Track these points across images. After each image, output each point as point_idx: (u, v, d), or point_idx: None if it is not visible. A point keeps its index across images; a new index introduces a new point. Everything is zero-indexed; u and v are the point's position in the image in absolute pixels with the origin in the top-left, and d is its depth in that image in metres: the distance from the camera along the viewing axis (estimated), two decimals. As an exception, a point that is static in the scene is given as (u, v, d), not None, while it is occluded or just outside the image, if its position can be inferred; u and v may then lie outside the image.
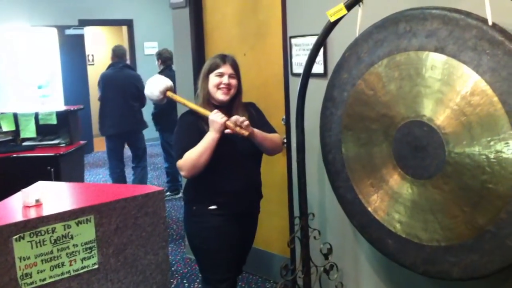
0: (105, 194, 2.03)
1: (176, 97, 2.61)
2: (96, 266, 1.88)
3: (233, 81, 2.54)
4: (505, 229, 1.85)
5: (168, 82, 2.67)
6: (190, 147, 2.43)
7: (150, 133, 5.96)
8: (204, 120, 2.50)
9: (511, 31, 1.85)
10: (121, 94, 5.44)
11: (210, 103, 2.54)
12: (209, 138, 2.42)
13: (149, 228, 1.98)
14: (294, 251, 3.20)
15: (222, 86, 2.50)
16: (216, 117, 2.42)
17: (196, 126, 2.51)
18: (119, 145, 5.67)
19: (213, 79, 2.52)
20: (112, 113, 5.49)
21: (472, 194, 1.91)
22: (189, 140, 2.46)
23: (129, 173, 6.16)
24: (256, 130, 2.49)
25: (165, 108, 5.13)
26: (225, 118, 2.42)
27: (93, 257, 1.86)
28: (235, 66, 2.56)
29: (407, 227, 2.14)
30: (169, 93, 2.65)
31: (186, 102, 2.56)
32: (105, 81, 5.53)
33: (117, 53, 5.75)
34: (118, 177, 5.69)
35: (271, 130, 2.65)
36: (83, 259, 1.85)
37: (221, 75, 2.51)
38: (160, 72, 5.70)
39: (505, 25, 1.87)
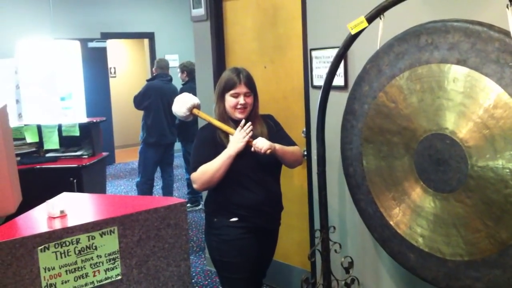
0: (128, 206, 2.05)
1: (202, 114, 2.64)
2: (119, 277, 1.90)
3: (249, 100, 2.55)
4: (530, 244, 1.82)
5: (194, 100, 2.70)
6: (205, 161, 2.46)
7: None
8: (223, 134, 2.52)
9: (534, 44, 1.84)
10: (166, 106, 5.57)
11: (228, 118, 2.56)
12: (226, 155, 2.45)
13: (171, 240, 1.99)
14: (315, 264, 3.19)
15: (239, 106, 2.53)
16: (240, 135, 2.46)
17: (213, 140, 2.53)
18: (159, 155, 5.75)
19: (229, 100, 2.54)
20: (160, 123, 5.62)
21: (495, 208, 1.89)
22: (204, 153, 2.50)
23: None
24: (277, 146, 2.51)
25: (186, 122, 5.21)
26: (247, 136, 2.46)
27: (116, 268, 1.88)
28: (249, 84, 2.56)
29: (429, 241, 2.12)
30: (195, 111, 2.68)
31: (210, 119, 2.58)
32: (153, 91, 5.64)
33: (162, 65, 5.92)
34: (149, 187, 5.75)
35: (290, 142, 2.66)
36: (106, 270, 1.87)
37: (237, 95, 2.53)
38: (184, 84, 5.84)
39: (528, 38, 1.86)
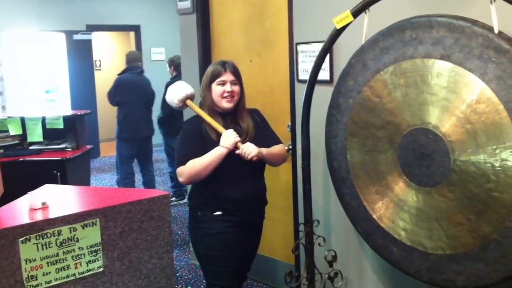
0: (110, 198, 2.04)
1: (195, 107, 2.61)
2: (101, 269, 1.89)
3: (236, 88, 2.55)
4: (510, 238, 1.84)
5: (188, 91, 2.67)
6: (192, 154, 2.45)
7: (154, 139, 6.02)
8: (209, 127, 2.51)
9: (517, 40, 1.85)
10: (140, 99, 5.52)
11: (216, 111, 2.56)
12: (217, 153, 2.44)
13: (154, 232, 1.99)
14: (299, 258, 3.20)
15: (225, 94, 2.52)
16: (230, 135, 2.46)
17: (199, 133, 2.52)
18: (135, 150, 5.69)
19: (216, 89, 2.54)
20: (132, 117, 5.56)
21: (477, 203, 1.91)
22: (192, 147, 2.49)
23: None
24: (264, 151, 2.51)
25: (173, 113, 5.17)
26: (238, 138, 2.46)
27: (98, 260, 1.87)
28: (236, 72, 2.58)
29: (412, 235, 2.13)
30: (189, 102, 2.66)
31: (203, 114, 2.56)
32: (124, 86, 5.56)
33: (133, 58, 5.81)
34: (130, 182, 5.70)
35: (276, 140, 2.68)
36: (88, 262, 1.86)
37: (223, 83, 2.53)
38: (173, 79, 5.75)
39: (511, 34, 1.87)
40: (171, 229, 2.05)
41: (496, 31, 1.82)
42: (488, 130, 1.85)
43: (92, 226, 1.84)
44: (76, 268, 1.84)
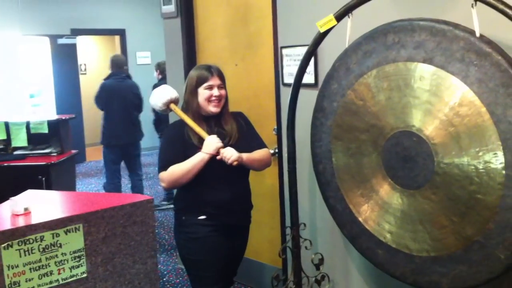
0: (93, 203, 2.02)
1: (178, 111, 2.59)
2: (84, 275, 1.87)
3: (223, 92, 2.56)
4: (493, 240, 1.86)
5: (172, 94, 2.65)
6: (173, 160, 2.44)
7: (142, 143, 5.99)
8: (192, 132, 2.50)
9: (498, 43, 1.87)
10: (124, 105, 5.47)
11: (200, 115, 2.55)
12: (199, 158, 2.43)
13: (138, 237, 1.98)
14: (286, 261, 3.20)
15: (213, 98, 2.52)
16: (213, 141, 2.45)
17: (181, 138, 2.51)
18: (120, 155, 5.65)
19: (203, 93, 2.52)
20: (116, 123, 5.51)
21: (461, 205, 1.92)
22: (173, 152, 2.48)
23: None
24: (244, 157, 2.50)
25: (163, 116, 5.15)
26: (221, 144, 2.45)
27: (81, 265, 1.86)
28: (221, 76, 2.58)
29: (397, 237, 2.14)
30: (173, 106, 2.64)
31: (186, 118, 2.54)
32: (107, 91, 5.52)
33: (117, 62, 5.75)
34: (116, 187, 5.67)
35: (260, 144, 2.67)
36: (71, 268, 1.84)
37: (210, 87, 2.52)
38: (159, 82, 5.74)
39: (492, 37, 1.89)
40: (155, 234, 2.04)
41: (477, 34, 1.84)
42: (471, 132, 1.87)
43: (75, 232, 1.83)
44: (59, 274, 1.82)
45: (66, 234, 1.81)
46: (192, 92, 2.54)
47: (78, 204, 2.11)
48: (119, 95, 5.47)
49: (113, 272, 1.92)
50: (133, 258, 1.95)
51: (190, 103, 2.55)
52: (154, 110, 5.45)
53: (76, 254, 1.84)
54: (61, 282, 1.83)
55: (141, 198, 2.03)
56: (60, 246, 1.81)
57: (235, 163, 2.44)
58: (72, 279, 1.85)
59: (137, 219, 1.96)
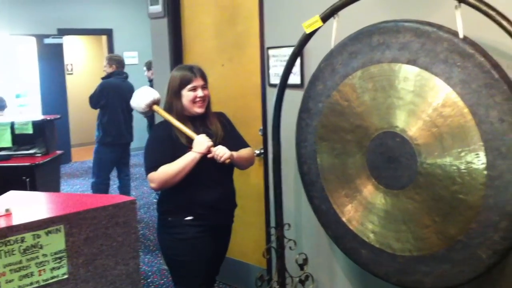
0: (75, 204, 2.01)
1: (162, 112, 2.57)
2: (65, 276, 1.86)
3: (206, 92, 2.56)
4: (476, 239, 1.87)
5: (155, 96, 2.63)
6: (163, 160, 2.43)
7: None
8: (179, 132, 2.50)
9: (482, 44, 1.89)
10: (123, 105, 5.42)
11: (185, 116, 2.54)
12: (190, 158, 2.43)
13: (120, 238, 1.96)
14: (271, 261, 3.19)
15: (197, 99, 2.51)
16: (203, 140, 2.44)
17: (169, 138, 2.50)
18: (117, 155, 5.62)
19: (187, 95, 2.51)
20: (116, 122, 5.47)
21: (443, 205, 1.93)
22: (162, 152, 2.47)
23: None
24: (234, 155, 2.52)
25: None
26: (211, 143, 2.45)
27: (63, 267, 1.84)
28: (204, 76, 2.57)
29: (380, 237, 2.15)
30: (156, 107, 2.62)
31: (171, 118, 2.52)
32: (110, 90, 5.46)
33: (120, 62, 5.73)
34: (106, 187, 5.63)
35: (243, 143, 2.68)
36: (52, 269, 1.82)
37: (194, 89, 2.51)
38: (151, 81, 5.69)
39: (475, 38, 1.91)
40: (137, 235, 2.03)
41: (461, 36, 1.85)
42: (453, 133, 1.88)
43: (56, 233, 1.81)
44: (40, 275, 1.80)
45: (47, 235, 1.79)
46: (175, 93, 2.53)
47: (60, 205, 2.09)
48: (121, 95, 5.42)
49: (94, 273, 1.90)
50: (115, 259, 1.94)
51: (173, 105, 2.53)
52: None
53: (57, 255, 1.82)
54: (41, 283, 1.81)
55: (124, 199, 2.02)
56: (41, 247, 1.80)
57: (227, 161, 2.44)
58: (53, 280, 1.83)
59: (120, 220, 1.95)
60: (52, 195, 2.24)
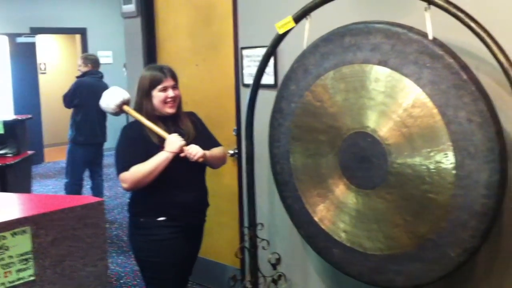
0: (43, 205, 1.98)
1: (132, 113, 2.55)
2: (32, 278, 1.82)
3: (177, 92, 2.54)
4: (445, 238, 1.90)
5: (125, 95, 2.61)
6: (135, 160, 2.41)
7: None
8: (150, 132, 2.47)
9: (451, 46, 1.91)
10: (97, 104, 5.33)
11: (156, 116, 2.52)
12: (163, 157, 2.41)
13: (89, 239, 1.94)
14: (244, 261, 3.19)
15: (168, 100, 2.49)
16: (175, 139, 2.43)
17: (141, 138, 2.48)
18: (90, 155, 5.55)
19: (158, 95, 2.49)
20: (90, 122, 5.41)
21: (414, 204, 1.96)
22: (134, 152, 2.44)
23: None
24: (207, 154, 2.51)
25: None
26: (183, 142, 2.43)
27: (29, 268, 1.81)
28: (174, 76, 2.56)
29: (352, 236, 2.16)
30: (126, 107, 2.59)
31: (142, 119, 2.50)
32: (84, 89, 5.40)
33: (95, 61, 5.67)
34: (80, 188, 5.56)
35: (215, 142, 2.68)
36: (18, 271, 1.79)
37: (165, 89, 2.49)
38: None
39: (445, 40, 1.93)
40: (106, 237, 2.01)
41: (430, 37, 1.88)
42: (423, 133, 1.90)
43: (22, 234, 1.78)
44: (6, 277, 1.76)
45: (13, 236, 1.76)
46: (145, 94, 2.50)
47: (27, 206, 2.06)
48: (96, 94, 5.32)
49: (62, 275, 1.87)
50: (83, 261, 1.91)
51: (144, 105, 2.51)
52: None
53: (24, 257, 1.79)
54: (7, 285, 1.77)
55: (92, 200, 2.00)
56: (7, 249, 1.76)
57: (200, 159, 2.43)
58: (19, 282, 1.80)
59: (88, 221, 1.93)
60: (20, 196, 2.20)
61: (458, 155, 1.82)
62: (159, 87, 2.48)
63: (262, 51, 2.88)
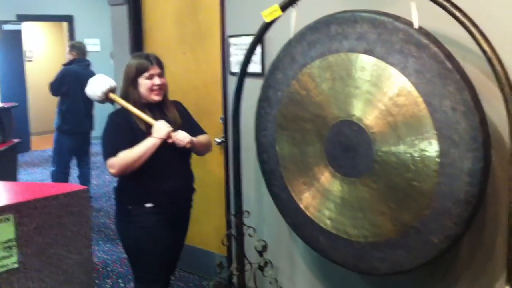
0: (26, 193, 1.97)
1: (119, 100, 2.53)
2: (16, 266, 1.82)
3: (163, 80, 2.53)
4: (429, 225, 1.92)
5: (111, 83, 2.60)
6: (123, 146, 2.40)
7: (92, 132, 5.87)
8: (138, 119, 2.47)
9: (436, 35, 1.92)
10: (84, 92, 5.28)
11: (142, 104, 2.51)
12: (151, 143, 2.40)
13: (74, 227, 1.94)
14: (231, 249, 3.20)
15: (155, 88, 2.48)
16: (163, 125, 2.43)
17: (128, 125, 2.47)
18: (76, 143, 5.51)
19: (144, 83, 2.49)
20: (76, 110, 5.36)
21: (398, 192, 1.97)
22: (122, 138, 2.43)
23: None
24: (194, 140, 2.52)
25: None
26: (171, 128, 2.44)
27: (12, 256, 1.80)
28: (160, 64, 2.55)
29: (337, 224, 2.18)
30: (112, 95, 2.58)
31: (128, 106, 2.49)
32: (71, 77, 5.34)
33: (82, 49, 5.61)
34: (67, 176, 5.53)
35: (200, 130, 2.69)
36: (2, 258, 1.79)
37: (151, 77, 2.48)
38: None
39: (430, 29, 1.94)
40: (90, 224, 2.01)
41: (416, 26, 1.88)
42: (408, 122, 1.92)
43: (6, 222, 1.77)
44: (-11, 264, 1.77)
45: (-4, 224, 1.76)
46: (132, 82, 2.50)
47: (11, 194, 2.05)
48: (82, 82, 5.28)
49: (47, 262, 1.87)
50: (68, 249, 1.92)
51: (130, 93, 2.50)
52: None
53: (7, 245, 1.78)
54: (-9, 272, 1.78)
55: (76, 188, 1.99)
56: (-10, 237, 1.76)
57: (188, 145, 2.44)
58: (2, 269, 1.79)
59: (73, 209, 1.92)
60: (3, 184, 2.18)
61: (442, 143, 1.84)
62: (146, 74, 2.47)
63: (249, 40, 2.87)
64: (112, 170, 2.42)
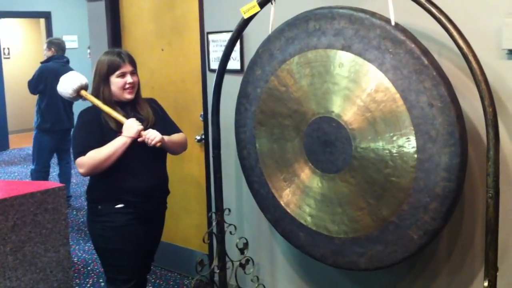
0: (2, 191, 1.93)
1: (90, 97, 2.49)
2: (-8, 265, 1.80)
3: (135, 78, 2.50)
4: (407, 220, 1.94)
5: (82, 80, 2.56)
6: (92, 145, 2.37)
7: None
8: (108, 117, 2.44)
9: (413, 31, 1.94)
10: None
11: (114, 102, 2.48)
12: (121, 142, 2.37)
13: (50, 225, 1.91)
14: (212, 246, 3.20)
15: (127, 86, 2.45)
16: (133, 124, 2.40)
17: (98, 123, 2.44)
18: (56, 141, 5.44)
19: (116, 81, 2.45)
20: (55, 108, 5.29)
21: (377, 187, 1.99)
22: (91, 137, 2.40)
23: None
24: (166, 138, 2.48)
25: None
26: (141, 127, 2.41)
27: (-12, 256, 1.78)
28: (133, 62, 2.51)
29: (317, 220, 2.19)
30: (83, 92, 2.55)
31: (100, 104, 2.45)
32: (48, 74, 5.24)
33: (60, 46, 5.52)
34: (45, 174, 5.46)
35: (175, 129, 2.65)
36: (-22, 259, 1.76)
37: (123, 75, 2.45)
38: None
39: (406, 25, 1.95)
40: (67, 222, 1.98)
41: (393, 22, 1.89)
42: (386, 118, 1.93)
43: (-18, 221, 1.74)
44: (-35, 265, 1.73)
45: (-29, 223, 1.72)
46: (103, 79, 2.46)
47: (-14, 192, 2.01)
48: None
49: (23, 260, 1.85)
50: (44, 247, 1.89)
51: (101, 91, 2.46)
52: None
53: (-18, 244, 1.76)
54: (-33, 273, 1.74)
55: (52, 186, 1.97)
56: (-34, 236, 1.73)
57: (158, 144, 2.41)
58: (-21, 270, 1.77)
59: (49, 206, 1.90)
60: (-21, 182, 2.15)
61: (419, 139, 1.86)
62: (117, 72, 2.44)
63: (228, 36, 2.86)
64: (81, 170, 2.39)
